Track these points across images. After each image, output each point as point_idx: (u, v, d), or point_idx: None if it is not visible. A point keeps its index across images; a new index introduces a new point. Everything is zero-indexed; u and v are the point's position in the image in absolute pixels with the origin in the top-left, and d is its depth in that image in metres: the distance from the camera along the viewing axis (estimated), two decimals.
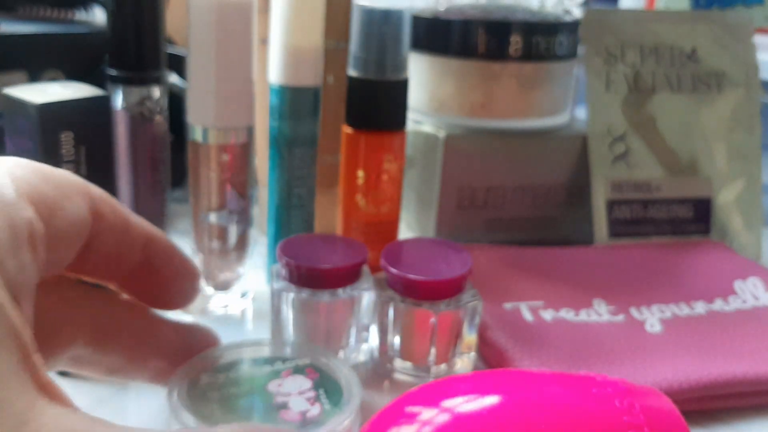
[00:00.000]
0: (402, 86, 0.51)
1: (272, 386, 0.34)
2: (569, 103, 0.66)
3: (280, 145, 0.50)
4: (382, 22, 0.49)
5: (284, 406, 0.33)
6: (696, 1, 0.76)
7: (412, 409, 0.29)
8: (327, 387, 0.34)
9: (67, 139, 0.45)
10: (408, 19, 0.50)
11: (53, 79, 0.58)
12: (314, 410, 0.32)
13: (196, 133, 0.48)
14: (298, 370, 0.35)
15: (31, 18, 0.65)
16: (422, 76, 0.63)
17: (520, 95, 0.62)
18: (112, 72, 0.51)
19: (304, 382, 0.34)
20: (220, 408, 0.32)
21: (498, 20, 0.60)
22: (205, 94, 0.47)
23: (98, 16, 0.67)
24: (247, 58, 0.47)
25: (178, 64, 0.62)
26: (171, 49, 0.61)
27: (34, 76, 0.57)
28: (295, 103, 0.50)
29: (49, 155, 0.44)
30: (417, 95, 0.63)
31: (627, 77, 0.65)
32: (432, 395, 0.30)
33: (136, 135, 0.52)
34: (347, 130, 0.51)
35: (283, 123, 0.50)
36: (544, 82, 0.62)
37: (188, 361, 0.34)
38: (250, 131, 0.49)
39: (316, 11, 0.49)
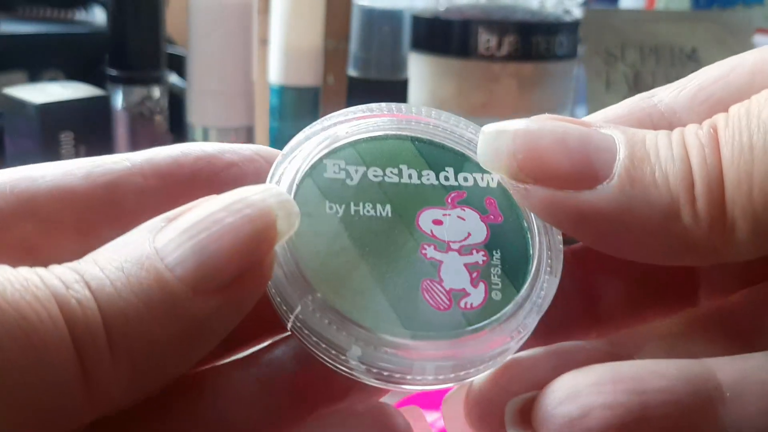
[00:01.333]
0: (402, 86, 0.51)
1: (427, 218, 0.20)
2: (569, 103, 0.66)
3: (280, 145, 0.50)
4: (382, 22, 0.49)
5: (431, 272, 0.19)
6: (696, 1, 0.76)
7: None
8: (507, 249, 0.20)
9: (66, 138, 0.45)
10: (408, 19, 0.50)
11: (53, 79, 0.58)
12: (475, 296, 0.19)
13: (196, 133, 0.48)
14: (474, 198, 0.20)
15: (31, 18, 0.65)
16: (422, 76, 0.63)
17: (520, 95, 0.62)
18: (112, 72, 0.51)
19: (477, 229, 0.20)
20: (332, 225, 0.19)
21: (498, 20, 0.60)
22: (205, 94, 0.47)
23: (98, 16, 0.67)
24: (247, 58, 0.47)
25: (178, 64, 0.62)
26: (171, 49, 0.61)
27: (34, 76, 0.57)
28: (295, 103, 0.50)
29: (49, 155, 0.44)
30: (417, 95, 0.63)
31: (627, 77, 0.65)
32: None
33: (136, 135, 0.52)
34: None
35: (283, 123, 0.50)
36: (544, 82, 0.62)
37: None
38: (250, 131, 0.49)
39: (316, 11, 0.49)
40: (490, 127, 0.19)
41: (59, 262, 0.16)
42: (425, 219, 0.20)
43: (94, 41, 0.61)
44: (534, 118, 0.18)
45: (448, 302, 0.19)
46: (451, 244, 0.19)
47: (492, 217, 0.20)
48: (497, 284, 0.19)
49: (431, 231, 0.19)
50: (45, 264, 0.16)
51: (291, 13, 0.49)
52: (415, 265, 0.19)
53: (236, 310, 0.16)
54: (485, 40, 0.60)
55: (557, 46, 0.62)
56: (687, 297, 0.22)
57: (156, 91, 0.52)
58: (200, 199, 0.17)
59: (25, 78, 0.57)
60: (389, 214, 0.20)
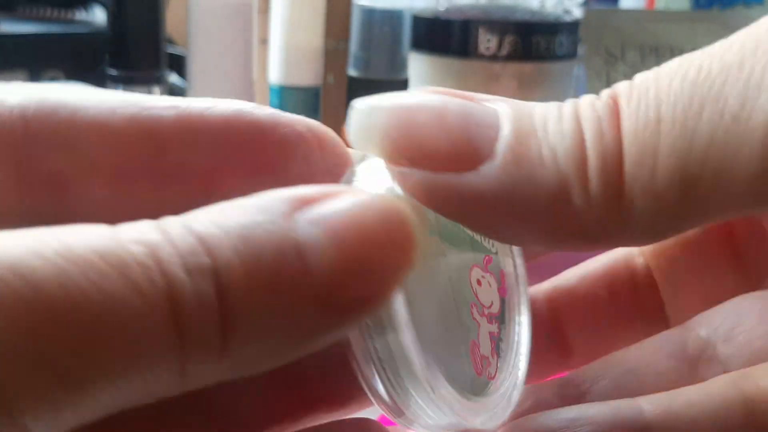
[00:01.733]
0: (402, 86, 0.51)
1: (474, 277, 0.18)
2: None
3: None
4: (382, 22, 0.49)
5: (474, 334, 0.18)
6: (696, 1, 0.76)
7: None
8: (504, 327, 0.19)
9: None
10: (408, 19, 0.50)
11: (53, 79, 0.58)
12: (492, 367, 0.18)
13: None
14: (495, 266, 0.19)
15: (31, 18, 0.65)
16: (422, 76, 0.63)
17: (520, 95, 0.62)
18: (112, 72, 0.51)
19: (495, 299, 0.19)
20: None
21: (498, 20, 0.60)
22: (205, 94, 0.47)
23: (98, 16, 0.67)
24: (247, 58, 0.47)
25: (178, 64, 0.62)
26: (171, 49, 0.61)
27: (34, 76, 0.57)
28: (295, 103, 0.50)
29: None
30: None
31: (627, 77, 0.65)
32: None
33: None
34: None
35: None
36: (544, 82, 0.62)
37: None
38: None
39: (316, 11, 0.49)
40: (363, 103, 0.16)
41: (87, 204, 0.14)
42: (473, 277, 0.18)
43: (94, 41, 0.61)
44: (413, 91, 0.16)
45: (481, 367, 0.18)
46: (485, 308, 0.18)
47: (502, 290, 0.19)
48: (501, 359, 0.18)
49: (476, 291, 0.18)
50: (71, 204, 0.14)
51: (291, 13, 0.49)
52: (466, 324, 0.18)
53: (351, 327, 0.15)
54: (485, 40, 0.60)
55: (557, 46, 0.62)
56: (653, 320, 0.21)
57: (156, 91, 0.52)
58: (340, 189, 0.14)
59: (26, 78, 0.57)
60: (459, 261, 0.18)
